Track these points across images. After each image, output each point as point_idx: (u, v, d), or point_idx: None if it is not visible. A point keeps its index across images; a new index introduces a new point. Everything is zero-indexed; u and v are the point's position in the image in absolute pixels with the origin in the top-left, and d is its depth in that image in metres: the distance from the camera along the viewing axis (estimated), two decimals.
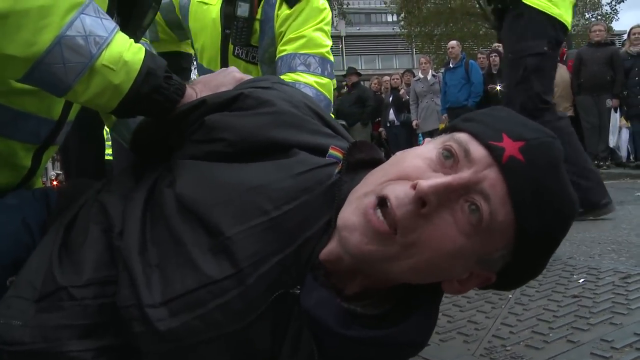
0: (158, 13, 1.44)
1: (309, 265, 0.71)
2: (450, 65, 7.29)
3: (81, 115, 1.18)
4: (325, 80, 1.69)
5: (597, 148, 6.41)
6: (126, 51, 0.81)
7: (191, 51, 2.10)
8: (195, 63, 2.03)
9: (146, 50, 0.84)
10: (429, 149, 0.69)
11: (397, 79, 8.35)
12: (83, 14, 0.78)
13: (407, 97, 7.98)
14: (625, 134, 6.83)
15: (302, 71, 1.64)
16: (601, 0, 19.49)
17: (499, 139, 0.64)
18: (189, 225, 0.72)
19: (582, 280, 1.51)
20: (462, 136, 0.67)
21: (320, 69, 1.67)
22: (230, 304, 0.67)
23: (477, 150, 0.64)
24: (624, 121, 6.69)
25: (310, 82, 1.62)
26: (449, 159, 0.66)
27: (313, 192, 0.73)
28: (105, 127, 1.88)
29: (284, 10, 1.66)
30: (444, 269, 0.67)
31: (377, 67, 30.42)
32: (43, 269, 0.77)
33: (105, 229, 0.78)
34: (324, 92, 1.65)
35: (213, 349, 0.69)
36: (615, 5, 19.38)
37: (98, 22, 0.79)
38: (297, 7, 1.65)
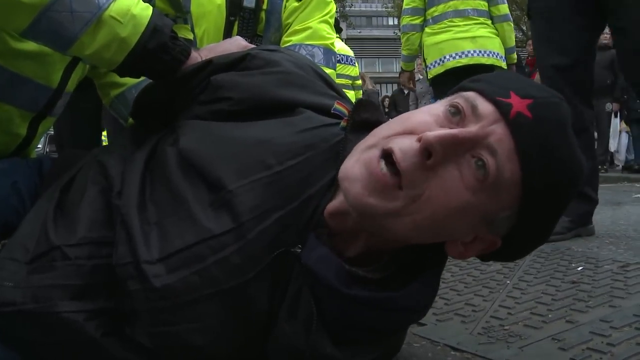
0: None
1: (311, 224, 0.69)
2: None
3: (78, 107, 1.17)
4: (329, 71, 1.67)
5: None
6: (134, 6, 0.81)
7: (190, 36, 2.08)
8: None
9: (153, 8, 0.83)
10: (436, 106, 0.67)
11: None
12: None
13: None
14: (624, 138, 6.83)
15: None
16: None
17: (507, 96, 0.63)
18: (189, 181, 0.70)
19: (580, 267, 1.50)
20: (470, 94, 0.66)
21: (324, 60, 1.67)
22: (229, 259, 0.65)
23: (485, 105, 0.63)
24: (624, 125, 6.69)
25: None
26: (456, 116, 0.64)
27: (317, 149, 0.72)
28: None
29: (292, 3, 1.65)
30: (448, 227, 0.65)
31: (378, 70, 30.47)
32: (36, 230, 0.74)
33: (104, 188, 0.76)
34: None
35: (210, 307, 0.66)
36: None
37: None
38: None
